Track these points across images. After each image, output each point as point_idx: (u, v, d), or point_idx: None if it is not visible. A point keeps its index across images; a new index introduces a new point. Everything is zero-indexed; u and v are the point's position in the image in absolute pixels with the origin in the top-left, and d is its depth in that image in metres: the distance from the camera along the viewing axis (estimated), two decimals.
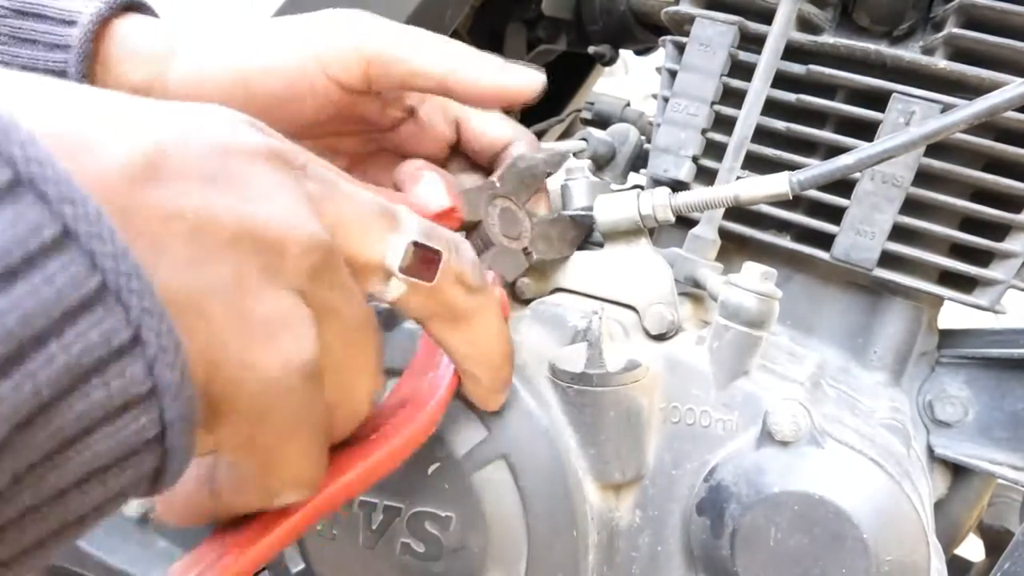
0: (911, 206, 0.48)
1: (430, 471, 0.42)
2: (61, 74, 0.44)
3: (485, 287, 0.35)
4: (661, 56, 0.58)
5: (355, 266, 0.30)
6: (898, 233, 0.48)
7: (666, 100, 0.54)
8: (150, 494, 0.24)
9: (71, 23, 0.44)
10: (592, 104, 0.70)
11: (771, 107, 0.49)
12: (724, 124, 0.52)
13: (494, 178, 0.47)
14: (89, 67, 0.44)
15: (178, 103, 0.27)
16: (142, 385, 0.21)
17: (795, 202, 0.46)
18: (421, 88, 0.46)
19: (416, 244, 0.31)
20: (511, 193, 0.47)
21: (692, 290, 0.49)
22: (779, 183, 0.43)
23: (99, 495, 0.22)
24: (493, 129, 0.50)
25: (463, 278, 0.33)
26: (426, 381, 0.38)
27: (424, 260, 0.31)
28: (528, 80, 0.45)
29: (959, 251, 0.49)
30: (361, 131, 0.51)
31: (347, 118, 0.47)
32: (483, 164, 0.52)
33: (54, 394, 0.20)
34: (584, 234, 0.49)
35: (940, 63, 0.47)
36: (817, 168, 0.43)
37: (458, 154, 0.53)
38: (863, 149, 0.42)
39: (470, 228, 0.45)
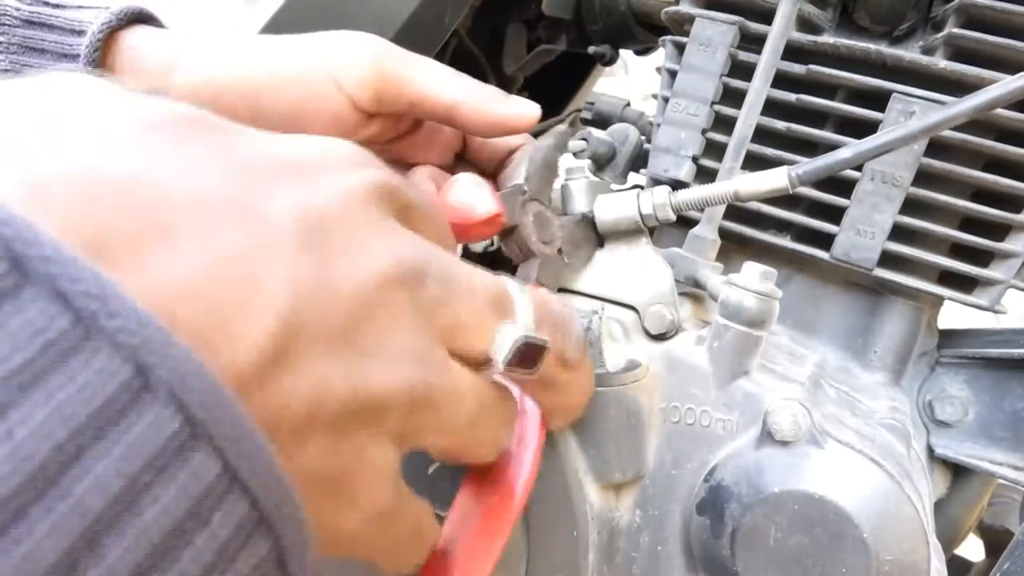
0: (911, 206, 0.48)
1: (430, 471, 0.42)
2: None
3: (584, 361, 0.35)
4: (661, 56, 0.58)
5: (469, 362, 0.29)
6: (898, 233, 0.48)
7: (666, 100, 0.54)
8: None
9: (80, 33, 0.44)
10: (592, 104, 0.70)
11: (771, 107, 0.49)
12: (724, 124, 0.52)
13: (520, 180, 0.46)
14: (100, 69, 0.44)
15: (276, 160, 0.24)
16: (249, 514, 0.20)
17: (795, 202, 0.47)
18: (427, 113, 0.47)
19: (527, 338, 0.30)
20: (539, 194, 0.47)
21: (692, 290, 0.49)
22: (779, 177, 0.43)
23: None
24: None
25: (564, 358, 0.33)
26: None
27: (530, 351, 0.31)
28: (528, 112, 0.47)
29: (959, 251, 0.49)
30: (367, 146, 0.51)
31: (352, 137, 0.48)
32: (489, 171, 0.52)
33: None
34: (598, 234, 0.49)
35: (940, 63, 0.47)
36: (816, 162, 0.43)
37: (463, 161, 0.53)
38: (862, 142, 0.42)
39: (507, 233, 0.44)
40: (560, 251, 0.45)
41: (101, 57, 0.44)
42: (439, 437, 0.29)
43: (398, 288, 0.25)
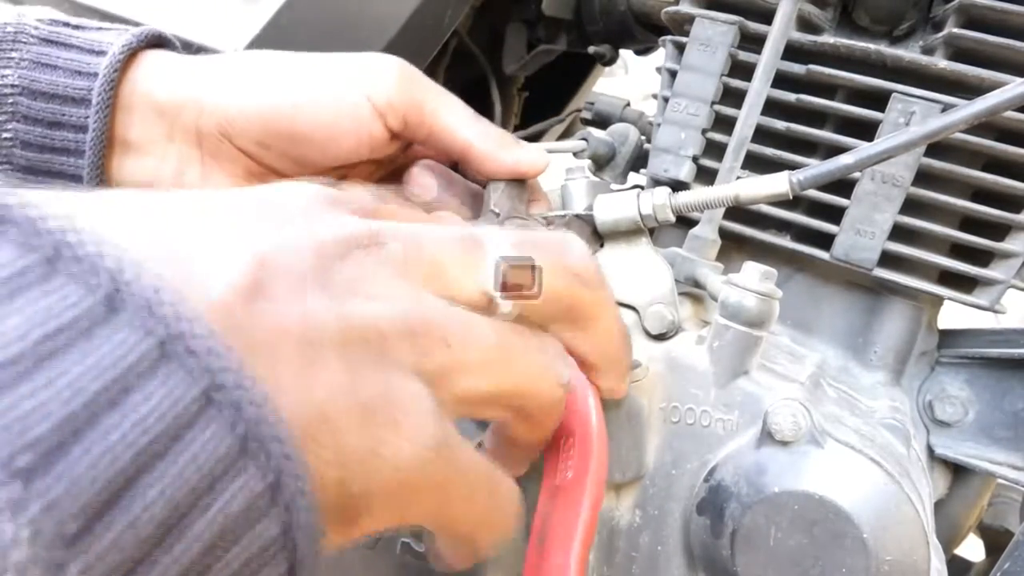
0: (911, 206, 0.48)
1: None
2: (81, 101, 0.45)
3: (602, 281, 0.35)
4: (661, 56, 0.58)
5: (468, 303, 0.30)
6: (898, 233, 0.48)
7: (666, 100, 0.54)
8: None
9: (100, 53, 0.46)
10: (592, 104, 0.70)
11: (771, 107, 0.49)
12: (724, 124, 0.52)
13: (490, 207, 0.48)
14: (114, 97, 0.46)
15: (248, 189, 0.28)
16: (276, 540, 0.22)
17: (795, 202, 0.47)
18: (441, 146, 0.48)
19: (505, 259, 0.31)
20: (512, 211, 0.48)
21: (692, 290, 0.49)
22: (779, 183, 0.43)
23: None
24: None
25: (579, 275, 0.33)
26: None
27: (520, 272, 0.31)
28: (538, 160, 0.49)
29: (959, 251, 0.49)
30: (376, 163, 0.52)
31: (380, 154, 0.49)
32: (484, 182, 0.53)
33: (202, 558, 0.20)
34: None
35: (940, 63, 0.47)
36: (817, 168, 0.43)
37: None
38: (863, 149, 0.42)
39: None
40: None
41: (119, 78, 0.46)
42: (478, 378, 0.29)
43: (354, 248, 0.27)
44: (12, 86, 0.45)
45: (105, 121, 0.46)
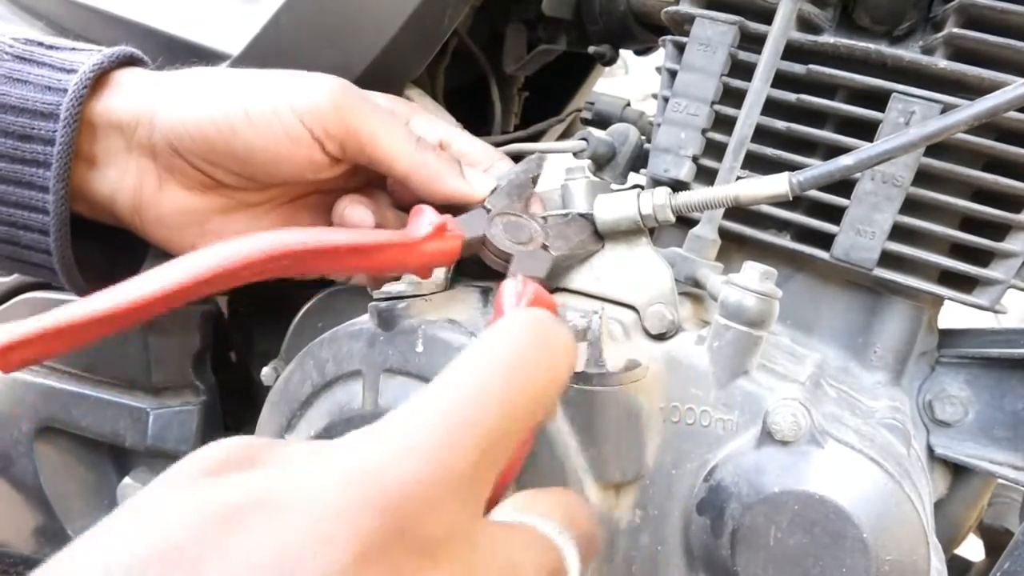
0: (911, 206, 0.48)
1: None
2: (50, 116, 0.47)
3: None
4: (661, 56, 0.58)
5: None
6: (898, 233, 0.48)
7: (666, 100, 0.54)
8: None
9: (71, 71, 0.47)
10: (592, 104, 0.70)
11: (771, 107, 0.49)
12: (724, 124, 0.52)
13: (485, 204, 0.48)
14: (81, 112, 0.47)
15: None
16: None
17: (795, 202, 0.47)
18: (381, 170, 0.49)
19: None
20: (506, 208, 0.48)
21: (692, 290, 0.49)
22: (779, 183, 0.43)
23: None
24: (474, 156, 0.54)
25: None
26: None
27: None
28: (480, 191, 0.49)
29: (959, 251, 0.49)
30: (335, 181, 0.53)
31: (323, 175, 0.50)
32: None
33: None
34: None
35: (940, 63, 0.47)
36: (817, 168, 0.43)
37: None
38: (863, 150, 0.42)
39: (477, 245, 0.45)
40: (545, 247, 0.46)
41: (88, 95, 0.47)
42: None
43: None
44: None
45: (72, 135, 0.47)
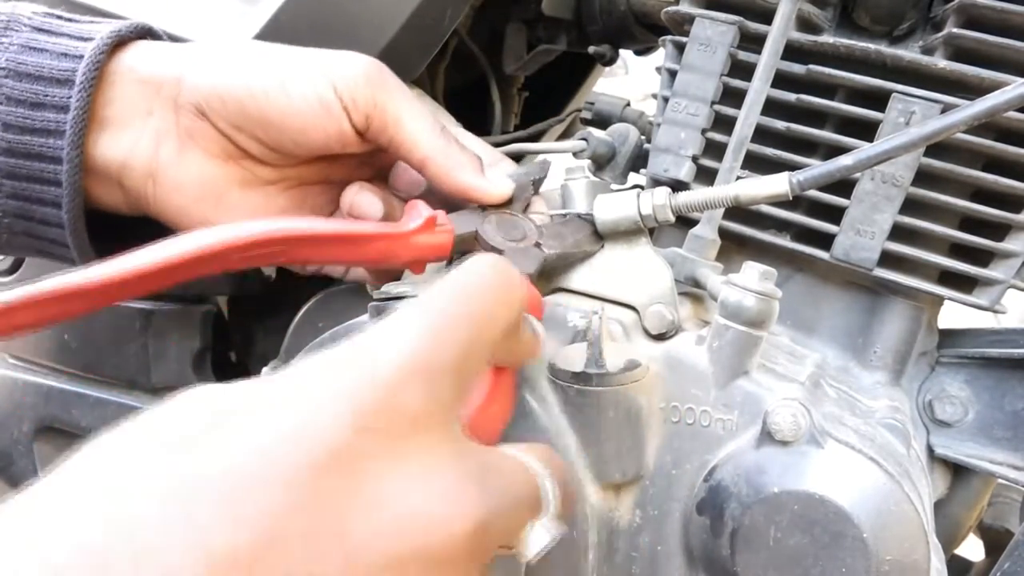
0: (911, 206, 0.48)
1: None
2: (66, 82, 0.46)
3: None
4: (661, 56, 0.58)
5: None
6: (898, 233, 0.48)
7: (666, 100, 0.54)
8: None
9: (87, 39, 0.47)
10: (592, 104, 0.70)
11: (771, 107, 0.49)
12: (724, 124, 0.52)
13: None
14: (99, 77, 0.46)
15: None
16: None
17: (795, 202, 0.47)
18: (401, 156, 0.49)
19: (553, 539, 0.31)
20: (503, 207, 0.48)
21: (692, 290, 0.49)
22: (779, 183, 0.43)
23: None
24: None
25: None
26: None
27: None
28: (497, 190, 0.49)
29: (959, 251, 0.49)
30: (357, 160, 0.53)
31: (349, 149, 0.50)
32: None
33: None
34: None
35: (940, 63, 0.47)
36: (817, 168, 0.43)
37: None
38: (863, 150, 0.42)
39: (470, 241, 0.45)
40: (539, 244, 0.46)
41: (105, 61, 0.46)
42: None
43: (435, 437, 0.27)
44: (1, 68, 0.46)
45: (88, 100, 0.46)
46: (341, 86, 0.46)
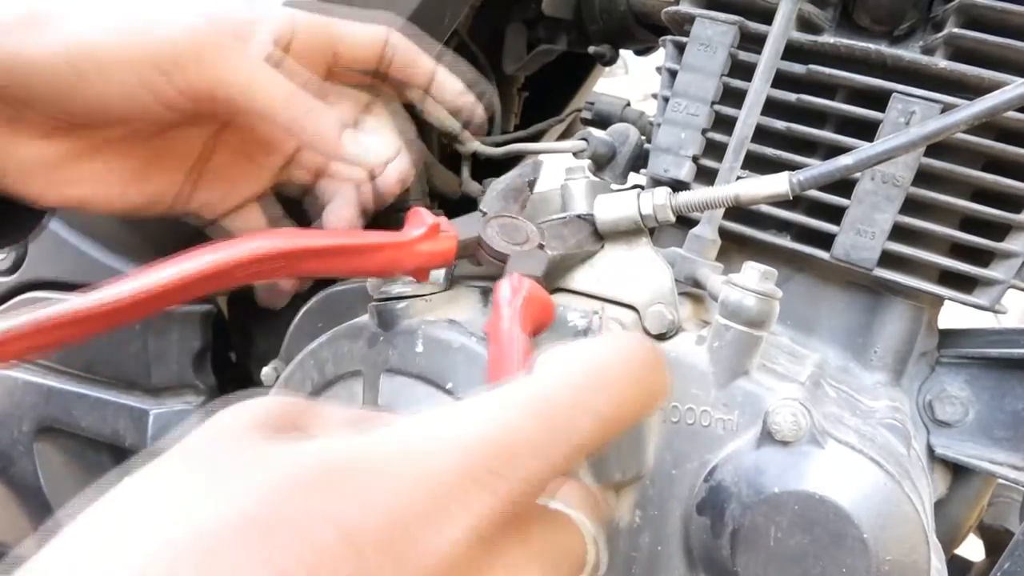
0: (911, 206, 0.48)
1: None
2: None
3: None
4: (661, 56, 0.58)
5: None
6: (898, 233, 0.48)
7: (666, 100, 0.54)
8: None
9: None
10: (592, 104, 0.70)
11: (771, 107, 0.49)
12: (724, 124, 0.52)
13: (481, 207, 0.49)
14: None
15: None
16: None
17: (795, 202, 0.47)
18: (256, 128, 0.45)
19: None
20: (502, 211, 0.48)
21: (692, 290, 0.49)
22: (779, 183, 0.43)
23: None
24: (452, 94, 0.52)
25: None
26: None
27: None
28: (372, 156, 0.45)
29: (959, 251, 0.49)
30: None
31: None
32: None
33: None
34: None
35: (940, 63, 0.47)
36: (817, 168, 0.43)
37: None
38: (863, 149, 0.42)
39: (473, 247, 0.45)
40: (541, 246, 0.46)
41: None
42: None
43: None
44: None
45: None
46: (170, 69, 0.40)
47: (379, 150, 0.46)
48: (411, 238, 0.43)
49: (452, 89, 0.52)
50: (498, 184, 0.51)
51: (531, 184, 0.52)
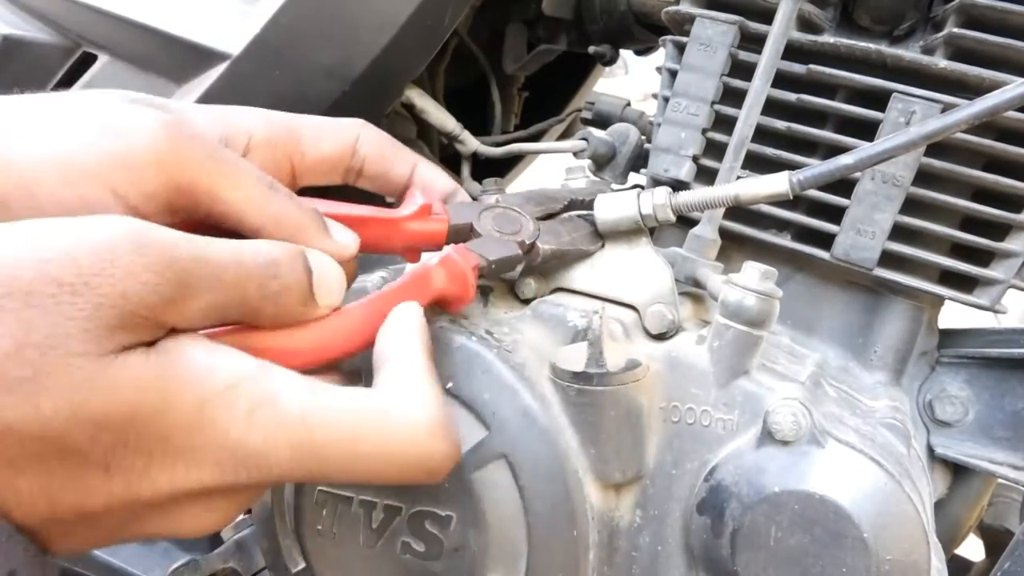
0: (911, 206, 0.48)
1: None
2: None
3: None
4: (661, 56, 0.58)
5: None
6: (898, 233, 0.48)
7: (666, 100, 0.54)
8: None
9: None
10: (592, 104, 0.70)
11: (771, 107, 0.49)
12: (724, 124, 0.52)
13: (496, 199, 0.48)
14: None
15: None
16: None
17: (795, 202, 0.47)
18: (226, 227, 0.39)
19: None
20: (512, 204, 0.47)
21: (692, 289, 0.49)
22: (779, 183, 0.43)
23: None
24: (438, 182, 0.49)
25: None
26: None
27: None
28: (340, 250, 0.41)
29: (959, 251, 0.49)
30: None
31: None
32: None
33: None
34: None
35: (940, 63, 0.47)
36: (817, 168, 0.43)
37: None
38: (863, 149, 0.42)
39: (466, 232, 0.45)
40: (534, 243, 0.45)
41: None
42: None
43: None
44: None
45: None
46: (123, 186, 0.36)
47: (344, 246, 0.42)
48: (401, 215, 0.43)
49: (437, 181, 0.49)
50: (499, 183, 0.51)
51: (567, 208, 0.51)
